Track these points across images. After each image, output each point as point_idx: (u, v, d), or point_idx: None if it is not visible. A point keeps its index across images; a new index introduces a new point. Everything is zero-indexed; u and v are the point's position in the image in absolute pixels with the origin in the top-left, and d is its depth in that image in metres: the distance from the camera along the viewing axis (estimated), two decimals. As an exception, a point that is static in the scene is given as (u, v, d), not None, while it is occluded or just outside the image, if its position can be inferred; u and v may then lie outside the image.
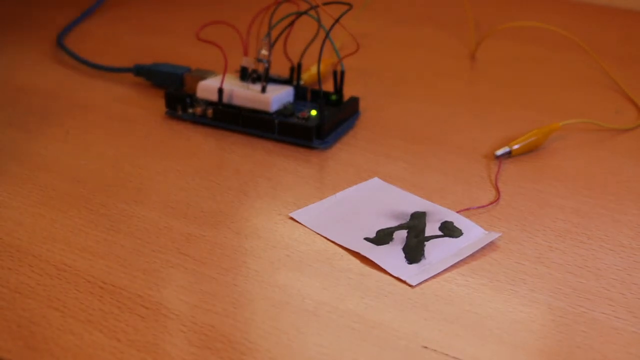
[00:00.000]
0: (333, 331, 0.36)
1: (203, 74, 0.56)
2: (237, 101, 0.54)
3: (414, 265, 0.41)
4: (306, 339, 0.36)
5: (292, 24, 0.54)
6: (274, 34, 0.53)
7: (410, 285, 0.39)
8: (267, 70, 0.54)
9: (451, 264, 0.41)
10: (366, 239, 0.43)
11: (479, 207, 0.46)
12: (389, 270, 0.40)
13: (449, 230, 0.43)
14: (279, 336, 0.36)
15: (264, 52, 0.54)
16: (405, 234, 0.43)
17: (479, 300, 0.39)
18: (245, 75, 0.55)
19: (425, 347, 0.35)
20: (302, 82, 0.57)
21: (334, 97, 0.55)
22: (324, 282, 0.40)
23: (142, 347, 0.35)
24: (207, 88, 0.54)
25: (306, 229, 0.44)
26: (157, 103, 0.57)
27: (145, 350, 0.35)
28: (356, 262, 0.41)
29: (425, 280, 0.40)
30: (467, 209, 0.46)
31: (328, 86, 0.56)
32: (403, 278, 0.40)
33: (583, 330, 0.37)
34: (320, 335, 0.36)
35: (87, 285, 0.39)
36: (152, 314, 0.37)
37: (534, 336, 0.36)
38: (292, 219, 0.45)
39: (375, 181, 0.48)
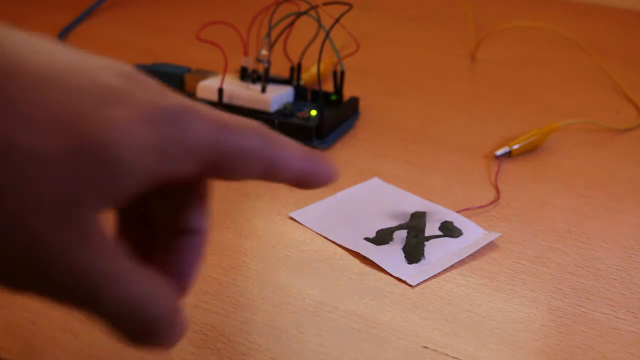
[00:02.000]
0: (333, 331, 0.36)
1: (203, 74, 0.56)
2: (237, 101, 0.54)
3: (413, 265, 0.41)
4: (306, 339, 0.36)
5: (292, 24, 0.54)
6: (274, 34, 0.54)
7: (410, 285, 0.39)
8: (267, 70, 0.54)
9: (451, 264, 0.41)
10: (366, 239, 0.43)
11: (479, 207, 0.46)
12: (389, 270, 0.40)
13: (448, 230, 0.43)
14: (279, 336, 0.36)
15: (264, 52, 0.54)
16: (405, 234, 0.43)
17: (479, 300, 0.39)
18: (246, 75, 0.55)
19: (425, 347, 0.35)
20: (302, 82, 0.57)
21: (334, 97, 0.55)
22: (324, 282, 0.40)
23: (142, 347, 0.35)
24: (207, 88, 0.54)
25: (306, 229, 0.44)
26: (157, 103, 0.57)
27: (146, 350, 0.35)
28: (356, 262, 0.41)
29: (425, 280, 0.40)
30: (467, 209, 0.46)
31: (328, 86, 0.56)
32: (403, 278, 0.40)
33: (583, 330, 0.37)
34: (320, 335, 0.36)
35: (87, 285, 0.39)
36: (152, 314, 0.37)
37: (533, 336, 0.36)
38: (292, 219, 0.45)
39: (375, 181, 0.48)
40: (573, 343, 0.36)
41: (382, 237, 0.43)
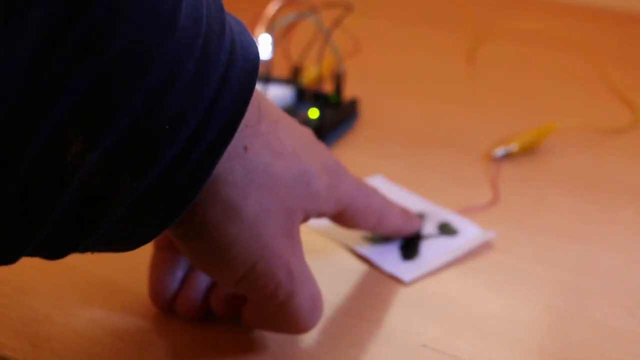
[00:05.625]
0: (333, 330, 0.37)
1: (204, 75, 0.56)
2: (238, 102, 0.54)
3: (408, 263, 0.41)
4: (306, 337, 0.36)
5: (292, 25, 0.54)
6: (275, 35, 0.54)
7: (403, 282, 0.40)
8: (267, 71, 0.54)
9: (446, 262, 0.41)
10: (364, 237, 0.43)
11: (478, 208, 0.46)
12: (383, 267, 0.41)
13: (446, 230, 0.44)
14: (280, 335, 0.36)
15: (265, 53, 0.54)
16: (404, 233, 0.43)
17: (477, 299, 0.39)
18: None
19: (424, 346, 0.36)
20: (302, 84, 0.57)
21: (333, 98, 0.55)
22: (324, 282, 0.40)
23: (145, 346, 0.35)
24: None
25: (306, 228, 0.44)
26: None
27: (147, 349, 0.35)
28: (356, 261, 0.42)
29: (424, 279, 0.40)
30: (467, 209, 0.46)
31: (328, 87, 0.56)
32: (397, 274, 0.40)
33: (581, 329, 0.37)
34: (320, 334, 0.36)
35: (90, 284, 0.39)
36: (154, 313, 0.37)
37: (532, 335, 0.37)
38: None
39: (378, 179, 0.48)
40: (571, 342, 0.36)
41: (380, 235, 0.43)
